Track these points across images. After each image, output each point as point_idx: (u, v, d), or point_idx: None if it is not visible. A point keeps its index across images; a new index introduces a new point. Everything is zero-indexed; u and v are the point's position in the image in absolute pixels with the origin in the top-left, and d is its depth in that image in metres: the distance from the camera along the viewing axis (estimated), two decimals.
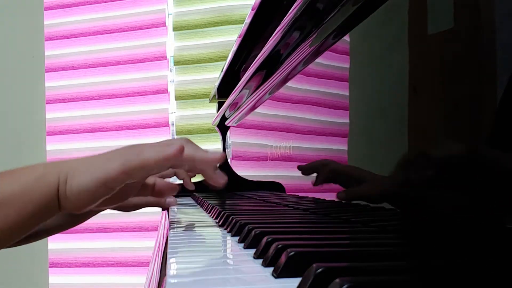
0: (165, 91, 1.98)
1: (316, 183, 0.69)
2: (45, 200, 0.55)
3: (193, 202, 1.14)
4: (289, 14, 0.62)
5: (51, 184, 0.55)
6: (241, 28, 1.04)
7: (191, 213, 0.88)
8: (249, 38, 1.03)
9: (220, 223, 0.66)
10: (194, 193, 1.27)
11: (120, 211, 0.77)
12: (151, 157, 0.55)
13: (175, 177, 0.84)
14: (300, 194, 0.76)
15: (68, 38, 2.05)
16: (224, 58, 1.88)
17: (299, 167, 0.76)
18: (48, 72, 2.06)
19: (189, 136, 1.96)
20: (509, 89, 0.30)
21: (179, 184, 0.73)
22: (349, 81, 0.58)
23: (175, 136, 1.97)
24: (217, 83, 1.42)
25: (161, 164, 0.55)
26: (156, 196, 0.69)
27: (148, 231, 1.95)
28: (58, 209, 0.57)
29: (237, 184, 1.24)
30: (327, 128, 0.65)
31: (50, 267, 2.01)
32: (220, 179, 0.62)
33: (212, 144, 1.91)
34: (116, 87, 2.01)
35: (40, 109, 2.06)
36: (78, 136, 2.03)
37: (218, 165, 0.62)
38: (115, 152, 0.58)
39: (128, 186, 0.58)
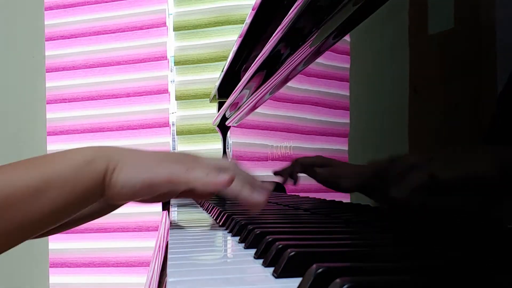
0: (165, 91, 1.98)
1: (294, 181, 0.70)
2: (92, 185, 0.56)
3: (194, 202, 1.14)
4: (290, 14, 0.62)
5: (100, 170, 0.56)
6: (242, 28, 1.04)
7: (191, 213, 0.88)
8: (250, 38, 1.03)
9: (220, 223, 0.66)
10: None
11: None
12: (198, 179, 0.56)
13: None
14: (300, 194, 0.76)
15: (68, 38, 2.05)
16: (224, 58, 1.88)
17: (275, 173, 0.76)
18: (48, 72, 2.06)
19: (189, 136, 1.96)
20: (509, 89, 0.30)
21: None
22: (350, 81, 0.58)
23: (176, 137, 1.97)
24: (217, 83, 1.42)
25: (206, 189, 0.57)
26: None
27: (149, 231, 1.95)
28: (100, 196, 0.58)
29: None
30: (327, 128, 0.65)
31: (50, 267, 2.01)
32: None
33: (212, 144, 1.91)
34: (116, 87, 2.01)
35: (41, 109, 2.06)
36: (78, 136, 2.03)
37: None
38: (167, 157, 0.59)
39: (171, 191, 0.59)
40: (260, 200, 0.59)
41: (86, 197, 0.57)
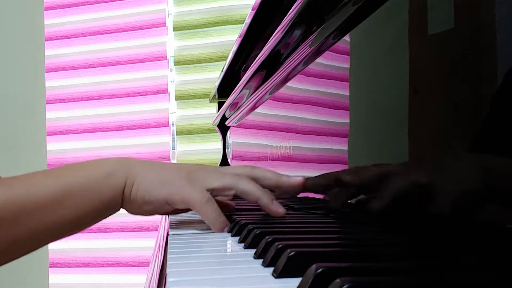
0: (165, 91, 1.98)
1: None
2: (111, 197, 0.57)
3: None
4: (290, 14, 0.62)
5: (119, 183, 0.57)
6: (241, 28, 1.04)
7: (191, 213, 0.87)
8: (249, 38, 1.03)
9: None
10: None
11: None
12: (218, 186, 0.57)
13: None
14: (300, 194, 0.76)
15: (68, 38, 2.05)
16: (224, 58, 1.88)
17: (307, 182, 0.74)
18: (48, 72, 2.06)
19: (189, 136, 1.96)
20: (509, 89, 0.30)
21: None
22: (349, 81, 0.58)
23: (175, 137, 1.97)
24: (217, 83, 1.42)
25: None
26: None
27: (148, 231, 1.95)
28: (119, 208, 0.59)
29: None
30: (327, 128, 0.65)
31: (50, 267, 2.01)
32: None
33: (212, 144, 1.91)
34: (116, 87, 2.01)
35: (40, 109, 2.06)
36: (78, 136, 2.03)
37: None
38: (188, 173, 0.59)
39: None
40: (281, 211, 0.59)
41: (105, 208, 0.57)
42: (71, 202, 0.54)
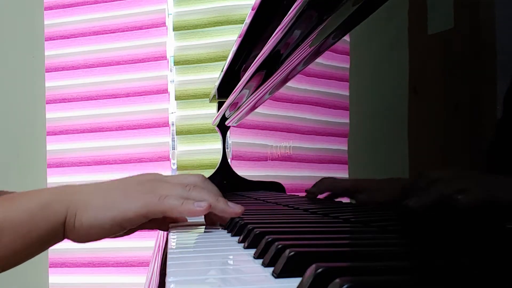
0: (165, 91, 1.98)
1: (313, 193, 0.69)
2: (50, 229, 0.55)
3: None
4: (289, 14, 0.61)
5: (58, 214, 0.55)
6: (241, 28, 1.04)
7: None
8: (249, 38, 1.02)
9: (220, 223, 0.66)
10: None
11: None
12: (173, 207, 0.54)
13: None
14: (300, 194, 0.76)
15: (68, 38, 2.05)
16: (224, 58, 1.88)
17: (307, 191, 0.75)
18: (48, 72, 2.06)
19: (189, 136, 1.95)
20: (509, 89, 0.30)
21: None
22: (349, 81, 0.58)
23: (175, 136, 1.97)
24: (217, 83, 1.42)
25: (182, 216, 0.55)
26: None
27: (148, 231, 1.94)
28: (62, 238, 0.56)
29: (237, 184, 1.24)
30: (327, 128, 0.65)
31: (50, 267, 2.01)
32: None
33: (212, 144, 1.91)
34: (116, 87, 2.01)
35: (40, 109, 2.06)
36: (78, 136, 2.02)
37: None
38: (134, 189, 0.57)
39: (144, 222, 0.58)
40: (238, 210, 0.58)
41: (44, 241, 0.55)
42: (4, 238, 0.52)
